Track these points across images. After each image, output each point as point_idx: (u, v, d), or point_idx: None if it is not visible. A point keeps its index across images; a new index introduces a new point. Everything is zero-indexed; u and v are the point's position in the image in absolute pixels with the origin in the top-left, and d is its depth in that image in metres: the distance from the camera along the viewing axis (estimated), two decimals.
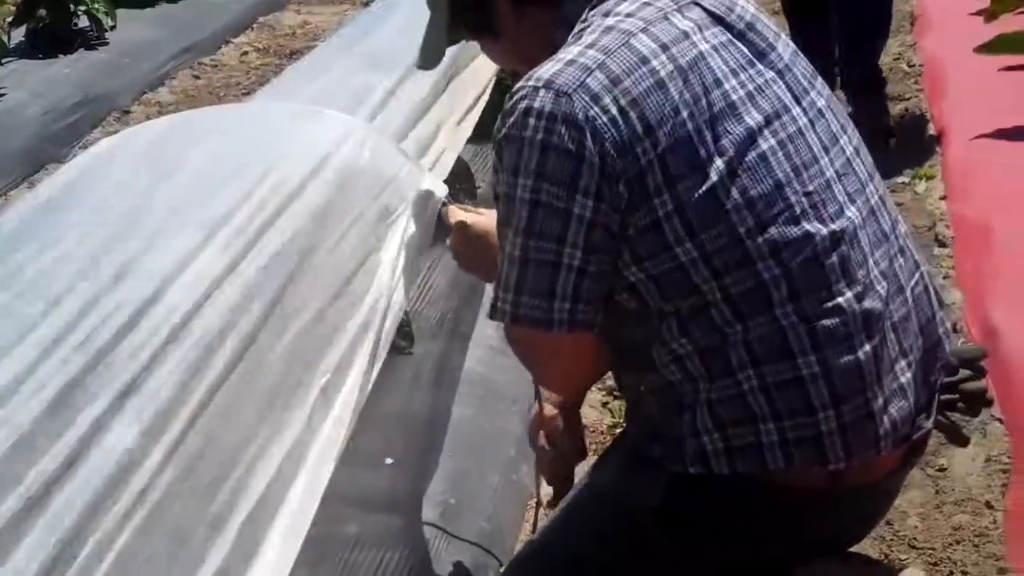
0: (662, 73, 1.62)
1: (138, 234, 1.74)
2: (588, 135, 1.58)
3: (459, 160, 2.66)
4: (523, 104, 1.62)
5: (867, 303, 1.66)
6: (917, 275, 1.79)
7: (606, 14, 1.70)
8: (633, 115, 1.59)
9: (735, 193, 1.61)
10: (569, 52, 1.65)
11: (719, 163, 1.61)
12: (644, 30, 1.66)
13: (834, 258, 1.64)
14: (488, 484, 2.84)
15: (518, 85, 1.66)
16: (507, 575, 2.02)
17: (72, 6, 6.35)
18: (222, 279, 1.67)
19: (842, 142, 1.75)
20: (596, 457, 2.61)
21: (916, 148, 4.68)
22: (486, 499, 2.80)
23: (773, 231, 1.61)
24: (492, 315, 1.70)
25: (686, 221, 1.60)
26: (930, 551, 2.63)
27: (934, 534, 2.68)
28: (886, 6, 4.93)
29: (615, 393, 3.24)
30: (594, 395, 3.26)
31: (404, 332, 3.17)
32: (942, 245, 3.93)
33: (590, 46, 1.65)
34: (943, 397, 1.84)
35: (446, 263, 3.38)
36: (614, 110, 1.59)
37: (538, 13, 1.79)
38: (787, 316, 1.62)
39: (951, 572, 2.56)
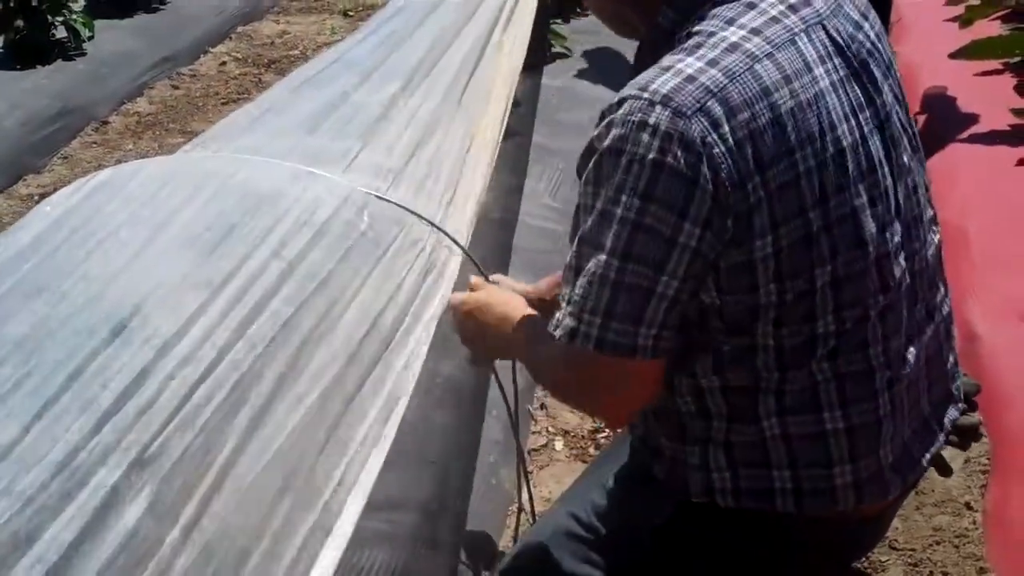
0: (782, 109, 1.52)
1: (133, 297, 1.70)
2: (704, 160, 1.47)
3: None
4: (636, 117, 1.49)
5: (892, 369, 1.64)
6: (941, 326, 1.78)
7: (729, 22, 1.57)
8: (749, 149, 1.49)
9: (825, 246, 1.55)
10: (688, 65, 1.52)
11: (819, 212, 1.54)
12: (770, 55, 1.54)
13: (879, 326, 1.62)
14: (466, 488, 2.84)
15: (628, 94, 1.53)
16: None
17: (50, 17, 6.33)
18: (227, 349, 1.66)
19: (913, 204, 1.70)
20: (579, 461, 2.64)
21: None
22: (464, 504, 2.80)
23: (845, 290, 1.57)
24: (571, 338, 1.57)
25: (778, 266, 1.53)
26: (910, 552, 2.65)
27: (915, 535, 2.69)
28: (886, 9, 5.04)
29: None
30: None
31: None
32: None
33: (712, 63, 1.52)
34: None
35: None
36: (732, 140, 1.48)
37: None
38: (823, 372, 1.59)
39: (931, 573, 2.58)
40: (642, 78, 1.53)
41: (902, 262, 1.64)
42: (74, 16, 6.41)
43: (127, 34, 6.82)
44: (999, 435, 2.87)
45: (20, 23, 6.28)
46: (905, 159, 1.68)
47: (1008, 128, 4.33)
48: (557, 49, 5.85)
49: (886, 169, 1.62)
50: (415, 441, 2.98)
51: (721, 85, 1.50)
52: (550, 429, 3.13)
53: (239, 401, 1.59)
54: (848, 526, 1.73)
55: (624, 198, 1.49)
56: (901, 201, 1.66)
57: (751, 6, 1.58)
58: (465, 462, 2.95)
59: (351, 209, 2.06)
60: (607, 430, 3.11)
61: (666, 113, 1.48)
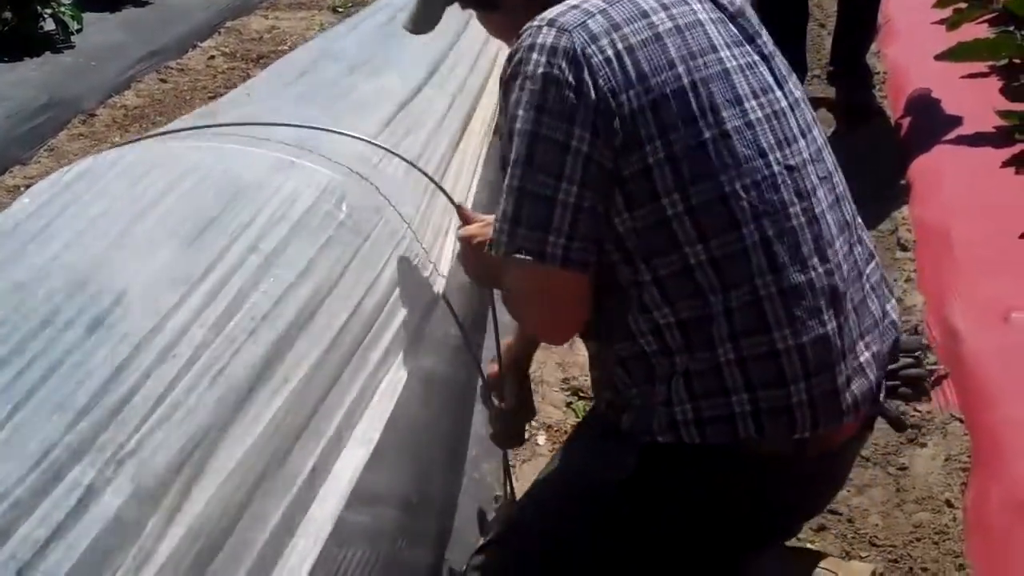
0: (660, 28, 1.70)
1: (110, 287, 1.70)
2: (585, 70, 1.63)
3: None
4: (527, 41, 1.68)
5: (834, 280, 1.71)
6: (872, 264, 1.86)
7: None
8: (628, 60, 1.65)
9: (724, 152, 1.66)
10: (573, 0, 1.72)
11: (711, 120, 1.66)
12: None
13: (808, 233, 1.70)
14: (449, 483, 2.84)
15: (525, 26, 1.71)
16: (475, 560, 2.02)
17: (38, 9, 6.32)
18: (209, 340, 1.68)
19: (815, 132, 1.82)
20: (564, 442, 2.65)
21: (882, 152, 4.72)
22: (447, 498, 2.80)
23: (755, 195, 1.66)
24: (491, 247, 1.70)
25: (676, 171, 1.64)
26: (890, 548, 2.65)
27: (894, 532, 2.70)
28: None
29: (579, 393, 3.26)
30: (558, 395, 3.27)
31: None
32: (904, 249, 3.96)
33: None
34: (887, 383, 1.90)
35: None
36: (610, 51, 1.65)
37: None
38: (767, 287, 1.66)
39: (911, 569, 2.58)
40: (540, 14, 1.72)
41: (813, 177, 1.74)
42: (63, 8, 6.40)
43: (115, 27, 6.81)
44: (980, 433, 2.88)
45: (8, 15, 6.28)
46: (797, 94, 1.82)
47: (993, 130, 4.34)
48: None
49: (780, 94, 1.77)
50: (402, 435, 2.98)
51: (601, 8, 1.70)
52: (533, 423, 3.13)
53: (217, 392, 1.60)
54: (808, 465, 1.77)
55: (521, 112, 1.65)
56: (803, 124, 1.78)
57: None
58: (451, 456, 2.96)
59: (330, 200, 2.06)
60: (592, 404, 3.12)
61: (551, 31, 1.67)
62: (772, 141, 1.70)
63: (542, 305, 1.76)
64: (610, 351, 1.76)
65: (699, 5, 1.77)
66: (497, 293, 2.14)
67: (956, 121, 4.54)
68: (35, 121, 5.55)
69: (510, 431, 2.24)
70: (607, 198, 1.65)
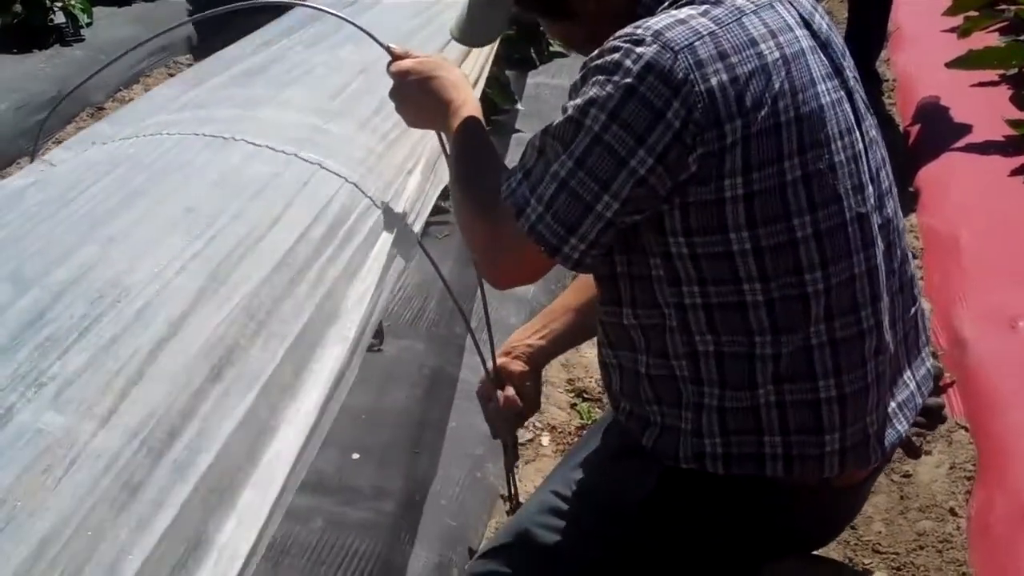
0: (768, 59, 1.60)
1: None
2: (679, 97, 1.55)
3: None
4: (626, 45, 1.58)
5: (882, 332, 1.69)
6: (914, 309, 1.83)
7: None
8: (732, 93, 1.56)
9: (803, 196, 1.60)
10: (680, 12, 1.61)
11: (796, 162, 1.60)
12: (755, 12, 1.64)
13: (865, 283, 1.66)
14: (453, 480, 2.86)
15: (628, 29, 1.61)
16: (478, 572, 2.01)
17: (48, 2, 6.32)
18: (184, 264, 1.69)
19: (882, 174, 1.76)
20: (568, 450, 2.65)
21: (891, 160, 4.72)
22: (452, 495, 2.82)
23: (826, 243, 1.62)
24: (518, 213, 1.64)
25: (750, 210, 1.59)
26: (894, 556, 2.67)
27: (898, 539, 2.71)
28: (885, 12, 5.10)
29: (584, 395, 3.27)
30: (562, 397, 3.29)
31: (375, 329, 3.19)
32: (912, 256, 3.96)
33: (703, 13, 1.61)
34: None
35: (417, 263, 3.41)
36: (714, 81, 1.55)
37: None
38: (818, 335, 1.63)
39: None
40: (642, 21, 1.61)
41: (876, 224, 1.70)
42: (73, 2, 6.39)
43: (125, 22, 6.80)
44: (985, 441, 2.90)
45: (18, 7, 6.27)
46: (873, 132, 1.76)
47: (1002, 139, 4.35)
48: (555, 48, 5.86)
49: (858, 134, 1.70)
50: (398, 430, 3.01)
51: (711, 30, 1.59)
52: (537, 424, 3.14)
53: (156, 308, 1.60)
54: (829, 496, 1.77)
55: (593, 111, 1.58)
56: (874, 168, 1.73)
57: None
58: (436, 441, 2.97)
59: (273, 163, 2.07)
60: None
61: (655, 46, 1.56)
62: (848, 187, 1.65)
63: (516, 270, 1.74)
64: (639, 364, 1.75)
65: (801, 31, 1.67)
66: (493, 292, 2.14)
67: (965, 129, 4.55)
68: (43, 113, 5.55)
69: (513, 427, 2.20)
70: (644, 213, 1.62)
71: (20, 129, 5.38)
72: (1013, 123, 4.34)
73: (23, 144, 5.33)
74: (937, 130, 4.70)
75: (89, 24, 6.47)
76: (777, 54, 1.61)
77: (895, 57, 5.68)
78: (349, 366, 1.81)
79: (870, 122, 1.76)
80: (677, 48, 1.56)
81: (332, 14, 2.23)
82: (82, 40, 6.40)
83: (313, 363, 1.73)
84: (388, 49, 1.99)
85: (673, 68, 1.55)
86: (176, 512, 1.35)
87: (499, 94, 4.87)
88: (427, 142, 2.32)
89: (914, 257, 3.93)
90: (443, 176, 2.34)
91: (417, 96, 1.92)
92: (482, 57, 2.91)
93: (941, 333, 3.38)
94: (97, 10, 6.58)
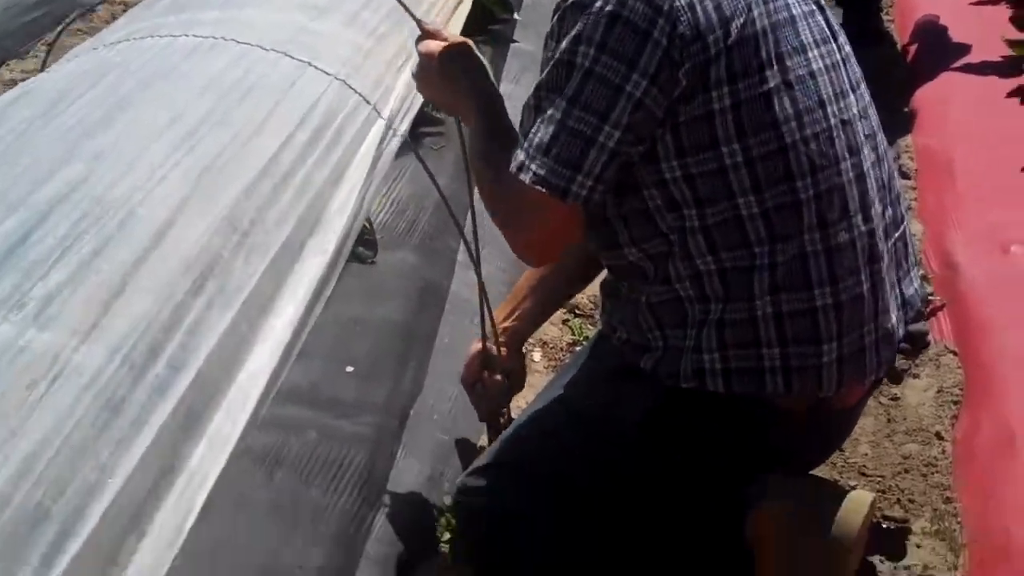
0: None
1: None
2: (663, 14, 1.58)
3: None
4: None
5: (875, 240, 1.72)
6: (903, 227, 1.87)
7: None
8: (710, 4, 1.60)
9: (787, 103, 1.64)
10: None
11: (776, 69, 1.64)
12: None
13: (855, 190, 1.70)
14: (446, 395, 2.85)
15: None
16: (468, 487, 2.02)
17: None
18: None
19: (862, 87, 1.81)
20: (556, 371, 2.65)
21: (887, 78, 4.68)
22: (444, 410, 2.82)
23: (814, 148, 1.65)
24: (516, 169, 1.66)
25: (738, 120, 1.62)
26: (879, 479, 2.67)
27: (883, 462, 2.72)
28: None
29: (576, 311, 3.26)
30: (555, 313, 3.27)
31: (367, 241, 3.17)
32: (905, 177, 3.94)
33: None
34: None
35: (412, 174, 3.38)
36: None
37: None
38: (813, 243, 1.66)
39: (898, 500, 2.60)
40: None
41: (863, 133, 1.74)
42: None
43: None
44: (973, 366, 2.90)
45: None
46: (847, 49, 1.81)
47: (1001, 59, 4.30)
48: None
49: (834, 45, 1.76)
50: (391, 342, 3.00)
51: None
52: (529, 340, 3.13)
53: (139, 219, 1.58)
54: (824, 418, 1.82)
55: (581, 47, 1.60)
56: (854, 79, 1.78)
57: None
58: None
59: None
60: (585, 342, 3.12)
61: None
62: (831, 92, 1.69)
63: (542, 230, 1.73)
64: (638, 293, 1.75)
65: None
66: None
67: (963, 49, 4.49)
68: (32, 15, 5.46)
69: (497, 407, 2.23)
70: (645, 143, 1.63)
71: (8, 31, 5.29)
72: (1012, 43, 4.29)
73: (11, 45, 5.25)
74: (935, 49, 4.64)
75: None
76: None
77: None
78: (328, 280, 1.80)
79: (844, 37, 1.81)
80: None
81: None
82: None
83: (292, 276, 1.72)
84: (419, 24, 1.98)
85: None
86: (155, 434, 1.34)
87: (496, 2, 4.80)
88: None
89: (908, 178, 3.92)
90: None
91: (442, 81, 1.91)
92: None
93: (933, 256, 3.36)
94: None
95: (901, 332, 1.85)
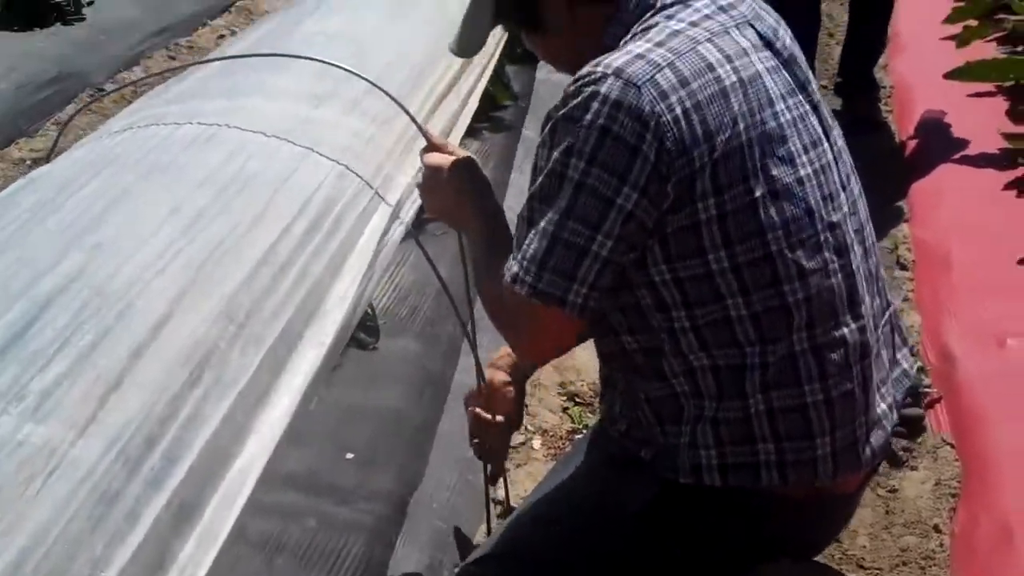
0: (726, 83, 1.67)
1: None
2: (650, 130, 1.60)
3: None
4: (589, 88, 1.63)
5: (865, 336, 1.75)
6: (889, 312, 1.89)
7: (668, 17, 1.73)
8: (696, 118, 1.62)
9: (773, 211, 1.66)
10: (637, 47, 1.67)
11: (762, 179, 1.66)
12: (710, 40, 1.70)
13: (844, 289, 1.73)
14: (446, 484, 2.86)
15: (585, 70, 1.67)
16: (470, 571, 2.02)
17: None
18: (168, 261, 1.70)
19: (852, 183, 1.83)
20: (556, 460, 2.66)
21: (885, 169, 4.72)
22: (443, 499, 2.82)
23: (801, 254, 1.68)
24: (511, 281, 1.68)
25: (724, 230, 1.64)
26: (877, 571, 2.67)
27: (882, 555, 2.72)
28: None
29: (576, 399, 3.27)
30: (554, 400, 3.28)
31: (369, 327, 3.20)
32: (903, 268, 3.97)
33: (659, 44, 1.67)
34: None
35: (415, 261, 3.41)
36: (679, 110, 1.62)
37: (593, 13, 1.78)
38: (801, 342, 1.69)
39: None
40: (598, 59, 1.67)
41: (852, 230, 1.77)
42: None
43: (128, 2, 6.76)
44: (971, 459, 2.90)
45: None
46: (840, 143, 1.83)
47: (997, 151, 4.35)
48: None
49: (826, 145, 1.77)
50: (391, 430, 3.01)
51: (669, 60, 1.65)
52: (528, 428, 3.14)
53: (137, 312, 1.61)
54: (822, 507, 1.83)
55: (572, 160, 1.63)
56: (844, 175, 1.80)
57: (686, 5, 1.74)
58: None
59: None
60: (584, 430, 3.13)
61: (618, 83, 1.63)
62: (819, 197, 1.71)
63: (540, 337, 1.78)
64: (635, 387, 1.77)
65: (757, 55, 1.74)
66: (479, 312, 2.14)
67: (961, 140, 4.54)
68: (43, 94, 5.54)
69: (497, 445, 2.25)
70: (636, 251, 1.66)
71: (19, 109, 5.37)
72: (1009, 136, 4.34)
73: (22, 124, 5.32)
74: (933, 139, 4.69)
75: (91, 3, 6.47)
76: (734, 77, 1.68)
77: (893, 63, 5.67)
78: (324, 369, 1.82)
79: (837, 132, 1.84)
80: (640, 82, 1.62)
81: (347, 70, 2.19)
82: (83, 19, 6.39)
83: (288, 367, 1.75)
84: (426, 135, 2.02)
85: (640, 102, 1.61)
86: (149, 527, 1.36)
87: (499, 90, 4.87)
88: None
89: (905, 269, 3.94)
90: None
91: (446, 195, 1.95)
92: (485, 57, 2.92)
93: (930, 348, 3.38)
94: None
95: (895, 416, 1.87)
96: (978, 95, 4.84)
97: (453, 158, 1.94)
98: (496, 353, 2.25)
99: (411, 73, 2.60)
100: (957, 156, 4.44)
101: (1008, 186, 4.11)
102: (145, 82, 5.50)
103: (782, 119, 1.71)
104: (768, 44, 1.78)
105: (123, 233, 1.77)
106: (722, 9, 1.76)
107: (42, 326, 1.52)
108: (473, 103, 2.85)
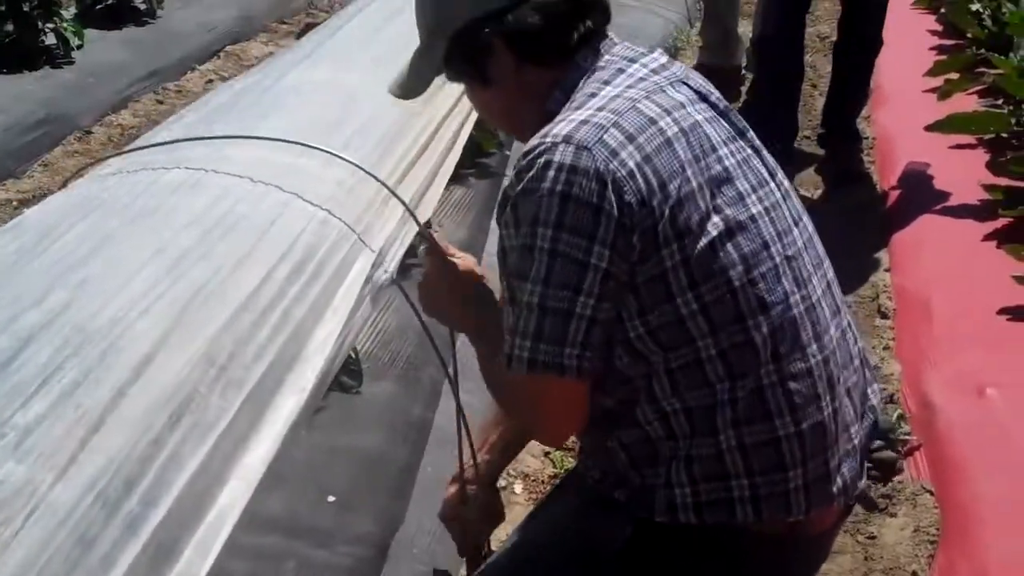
0: (669, 133, 1.71)
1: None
2: (609, 187, 1.64)
3: None
4: (543, 159, 1.67)
5: (830, 367, 1.78)
6: (856, 348, 1.91)
7: (605, 83, 1.77)
8: (648, 170, 1.67)
9: (731, 247, 1.70)
10: (579, 114, 1.72)
11: (717, 219, 1.70)
12: (647, 97, 1.75)
13: (807, 320, 1.76)
14: (426, 528, 2.86)
15: (533, 143, 1.70)
16: None
17: (40, 23, 6.34)
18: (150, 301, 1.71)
19: (804, 219, 1.87)
20: (534, 506, 2.66)
21: (867, 219, 4.76)
22: (423, 543, 2.82)
23: (761, 287, 1.71)
24: (508, 363, 1.70)
25: (689, 272, 1.67)
26: None
27: None
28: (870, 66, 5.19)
29: None
30: (536, 445, 3.28)
31: (352, 371, 3.20)
32: (884, 317, 4.00)
33: (599, 109, 1.72)
34: None
35: (398, 305, 3.42)
36: (631, 164, 1.66)
37: (540, 73, 1.81)
38: (769, 375, 1.71)
39: None
40: (542, 130, 1.71)
41: (810, 264, 1.81)
42: (65, 24, 6.42)
43: (116, 46, 6.83)
44: (950, 506, 2.91)
45: (10, 27, 6.28)
46: (786, 184, 1.87)
47: (978, 203, 4.39)
48: None
49: (772, 185, 1.82)
50: (373, 473, 3.01)
51: (612, 120, 1.70)
52: (510, 472, 3.15)
53: (119, 353, 1.62)
54: (796, 544, 1.83)
55: (540, 230, 1.65)
56: (795, 214, 1.84)
57: (621, 71, 1.79)
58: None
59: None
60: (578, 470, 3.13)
61: (569, 149, 1.66)
62: (773, 232, 1.75)
63: (552, 412, 1.78)
64: (609, 435, 1.79)
65: (693, 107, 1.79)
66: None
67: (942, 191, 4.59)
68: (31, 136, 5.58)
69: (477, 541, 2.25)
70: (619, 306, 1.69)
71: (7, 150, 5.40)
72: (988, 188, 4.39)
73: (10, 165, 5.35)
74: (914, 190, 4.74)
75: (80, 47, 6.51)
76: (676, 128, 1.73)
77: (876, 115, 5.73)
78: (305, 414, 1.83)
79: (782, 174, 1.88)
80: (590, 144, 1.66)
81: (337, 156, 2.22)
82: (72, 63, 6.43)
83: (268, 412, 1.75)
84: (431, 238, 2.01)
85: (594, 163, 1.65)
86: (125, 571, 1.36)
87: (485, 137, 4.89)
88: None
89: (886, 317, 3.97)
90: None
91: (447, 302, 1.97)
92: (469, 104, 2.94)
93: (910, 396, 3.40)
94: (88, 32, 6.62)
95: (865, 442, 1.89)
96: (959, 147, 4.90)
97: (454, 265, 1.96)
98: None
99: (400, 118, 2.62)
100: (938, 207, 4.49)
101: (988, 237, 4.15)
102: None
103: (727, 162, 1.75)
104: (703, 98, 1.83)
105: (108, 272, 1.79)
106: (654, 72, 1.81)
107: (24, 360, 1.53)
108: (457, 149, 2.87)
